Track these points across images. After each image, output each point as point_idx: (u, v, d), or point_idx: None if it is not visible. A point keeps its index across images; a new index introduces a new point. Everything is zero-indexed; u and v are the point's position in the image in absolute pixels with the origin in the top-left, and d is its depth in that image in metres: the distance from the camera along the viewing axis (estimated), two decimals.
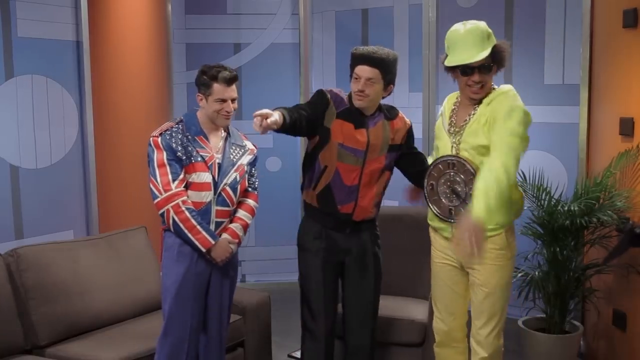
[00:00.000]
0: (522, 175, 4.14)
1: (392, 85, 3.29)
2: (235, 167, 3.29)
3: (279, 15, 5.80)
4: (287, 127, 3.00)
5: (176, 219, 3.12)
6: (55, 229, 4.52)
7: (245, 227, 3.37)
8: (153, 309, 3.89)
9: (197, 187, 3.18)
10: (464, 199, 3.00)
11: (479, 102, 3.06)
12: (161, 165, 3.14)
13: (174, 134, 3.18)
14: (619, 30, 3.88)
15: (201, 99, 3.25)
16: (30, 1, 4.32)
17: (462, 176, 3.00)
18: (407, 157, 3.43)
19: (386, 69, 3.20)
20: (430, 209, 3.14)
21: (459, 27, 3.01)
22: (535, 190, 4.03)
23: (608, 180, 3.86)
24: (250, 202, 3.42)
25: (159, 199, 3.13)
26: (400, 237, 4.12)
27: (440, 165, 3.07)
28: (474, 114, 3.03)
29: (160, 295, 3.29)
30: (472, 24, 2.99)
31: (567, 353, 3.94)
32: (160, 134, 3.19)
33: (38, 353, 3.43)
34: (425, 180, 3.12)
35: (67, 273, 3.62)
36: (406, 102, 5.22)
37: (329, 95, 3.27)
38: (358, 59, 3.22)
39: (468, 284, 3.18)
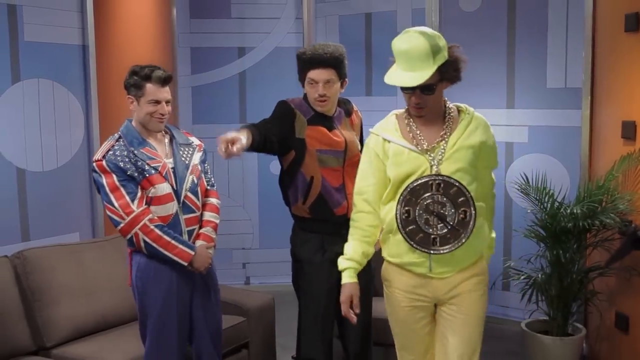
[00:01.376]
0: (524, 178, 4.14)
1: (346, 80, 3.22)
2: (189, 170, 3.14)
3: (283, 20, 5.80)
4: (256, 147, 2.90)
5: (147, 239, 2.94)
6: (62, 231, 4.52)
7: (216, 228, 3.24)
8: None
9: (159, 200, 3.01)
10: (453, 224, 2.53)
11: (446, 118, 2.66)
12: (114, 189, 2.93)
13: (118, 153, 2.97)
14: (620, 34, 3.87)
15: (132, 102, 3.06)
16: (36, 6, 4.32)
17: (449, 198, 2.53)
18: None
19: (340, 65, 3.14)
20: (406, 240, 2.58)
21: (402, 41, 2.54)
22: (538, 193, 4.02)
23: (610, 183, 3.85)
24: (213, 200, 3.28)
25: (122, 225, 2.94)
26: None
27: (418, 188, 2.54)
28: (449, 134, 2.62)
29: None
30: (416, 38, 2.51)
31: (570, 355, 3.92)
32: (104, 157, 2.96)
33: (44, 354, 3.43)
34: (398, 207, 2.55)
35: (73, 275, 3.62)
36: None
37: (292, 105, 3.19)
38: (309, 63, 3.12)
39: (434, 320, 2.76)
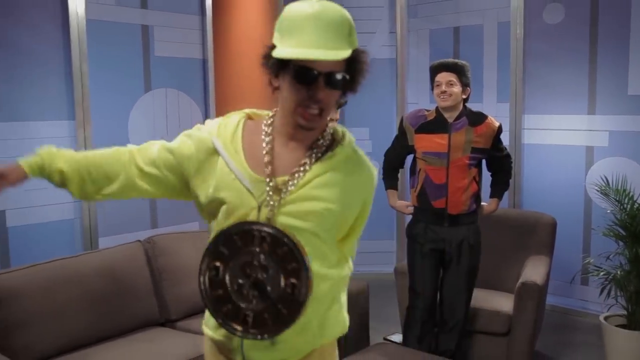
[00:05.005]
0: (605, 180, 4.02)
1: (468, 88, 3.42)
2: None
3: (378, 34, 5.83)
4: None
5: None
6: (183, 220, 4.70)
7: None
8: None
9: None
10: (273, 300, 1.51)
11: (319, 142, 1.62)
12: None
13: None
14: None
15: None
16: (165, 25, 4.54)
17: (273, 260, 1.51)
18: (491, 159, 3.55)
19: (461, 71, 3.37)
20: (209, 310, 1.59)
21: (305, 7, 1.52)
22: (618, 195, 3.89)
23: None
24: None
25: None
26: (486, 235, 4.07)
27: (236, 238, 1.53)
28: (309, 167, 1.58)
29: None
30: (330, 4, 1.54)
31: None
32: None
33: (170, 326, 3.58)
34: (205, 260, 1.57)
35: (194, 258, 3.70)
36: (494, 111, 5.14)
37: (403, 123, 3.53)
38: (436, 69, 3.43)
39: None
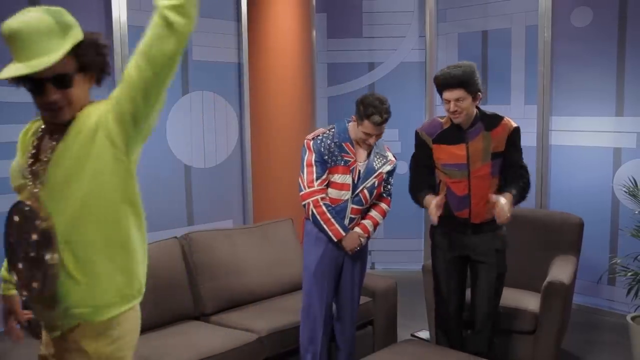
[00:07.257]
0: (633, 181, 3.87)
1: (479, 94, 3.09)
2: (375, 174, 3.24)
3: (408, 38, 5.75)
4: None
5: (314, 211, 3.16)
6: (219, 218, 4.71)
7: (376, 225, 3.31)
8: (296, 288, 3.96)
9: (337, 186, 3.18)
10: (29, 262, 1.66)
11: (60, 129, 1.68)
12: (309, 165, 3.17)
13: (323, 140, 3.19)
14: None
15: (354, 120, 3.20)
16: (202, 31, 4.53)
17: (34, 236, 1.64)
18: (505, 162, 3.19)
19: (467, 83, 3.01)
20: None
21: (11, 20, 1.56)
22: None
23: None
24: (384, 205, 3.37)
25: (303, 192, 3.19)
26: (514, 235, 3.95)
27: (16, 217, 1.69)
28: (51, 152, 1.68)
29: (301, 276, 3.35)
30: (33, 13, 1.57)
31: None
32: (313, 138, 3.21)
33: (204, 320, 3.57)
34: (5, 237, 1.74)
35: (228, 255, 3.75)
36: (522, 113, 5.02)
37: (420, 135, 3.25)
38: (441, 86, 3.05)
39: None
